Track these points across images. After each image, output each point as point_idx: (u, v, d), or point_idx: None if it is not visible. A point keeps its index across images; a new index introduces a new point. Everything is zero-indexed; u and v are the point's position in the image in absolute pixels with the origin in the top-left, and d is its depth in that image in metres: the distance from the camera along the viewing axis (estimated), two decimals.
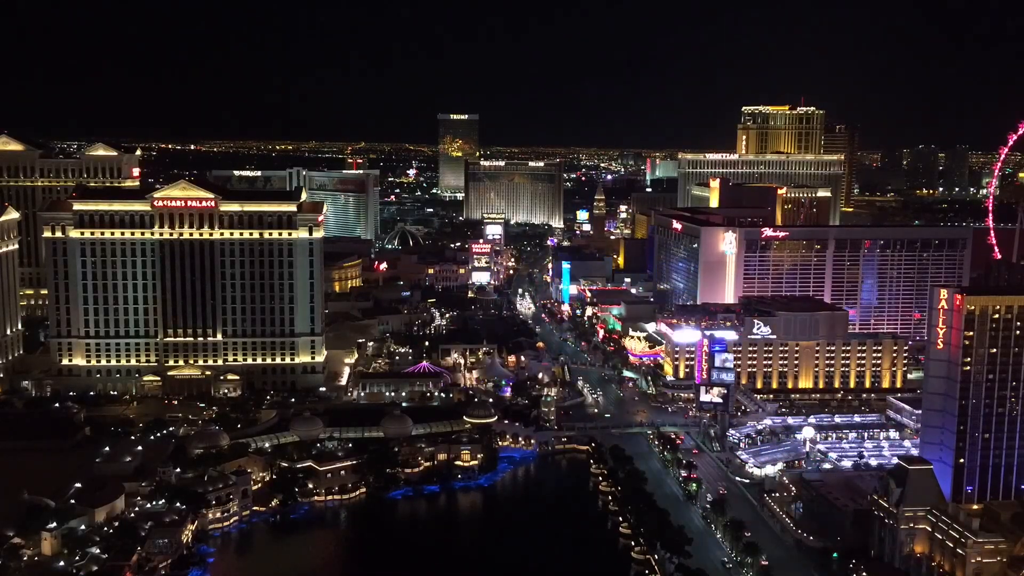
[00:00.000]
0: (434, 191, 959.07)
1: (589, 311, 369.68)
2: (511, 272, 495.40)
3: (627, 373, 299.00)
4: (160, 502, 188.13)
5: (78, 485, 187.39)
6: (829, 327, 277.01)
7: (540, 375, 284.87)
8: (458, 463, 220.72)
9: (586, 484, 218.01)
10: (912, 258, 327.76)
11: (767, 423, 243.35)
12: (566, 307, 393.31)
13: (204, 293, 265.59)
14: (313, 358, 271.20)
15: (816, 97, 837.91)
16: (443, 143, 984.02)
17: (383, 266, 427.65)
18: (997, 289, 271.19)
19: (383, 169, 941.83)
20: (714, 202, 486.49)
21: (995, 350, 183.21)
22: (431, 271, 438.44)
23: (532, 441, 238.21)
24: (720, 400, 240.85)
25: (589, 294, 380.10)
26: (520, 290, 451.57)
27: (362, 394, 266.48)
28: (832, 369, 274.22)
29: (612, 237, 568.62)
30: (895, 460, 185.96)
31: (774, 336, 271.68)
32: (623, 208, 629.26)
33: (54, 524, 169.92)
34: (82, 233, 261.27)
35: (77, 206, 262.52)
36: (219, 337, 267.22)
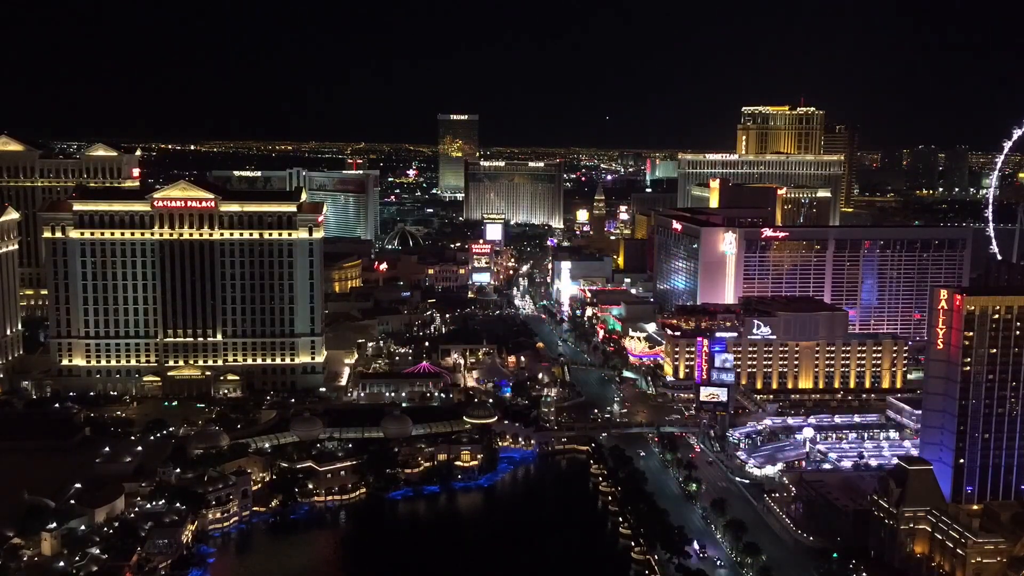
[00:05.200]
0: (434, 191, 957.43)
1: (589, 311, 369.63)
2: (511, 272, 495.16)
3: (627, 373, 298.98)
4: (160, 502, 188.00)
5: (78, 485, 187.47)
6: (829, 327, 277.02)
7: (540, 375, 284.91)
8: (458, 463, 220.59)
9: (586, 484, 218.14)
10: (912, 258, 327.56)
11: (767, 423, 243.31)
12: (566, 307, 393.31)
13: (204, 293, 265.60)
14: (313, 358, 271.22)
15: (816, 97, 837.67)
16: (443, 143, 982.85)
17: (383, 266, 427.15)
18: (997, 289, 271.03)
19: (383, 169, 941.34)
20: (714, 202, 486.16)
21: (995, 350, 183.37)
22: (431, 271, 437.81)
23: (532, 441, 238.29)
24: (720, 399, 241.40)
25: (589, 294, 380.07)
26: (520, 290, 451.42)
27: (362, 394, 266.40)
28: (832, 369, 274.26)
29: (612, 237, 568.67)
30: (895, 460, 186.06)
31: (774, 336, 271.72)
32: (623, 208, 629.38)
33: (54, 524, 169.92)
34: (82, 233, 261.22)
35: (77, 206, 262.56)
36: (219, 337, 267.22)
